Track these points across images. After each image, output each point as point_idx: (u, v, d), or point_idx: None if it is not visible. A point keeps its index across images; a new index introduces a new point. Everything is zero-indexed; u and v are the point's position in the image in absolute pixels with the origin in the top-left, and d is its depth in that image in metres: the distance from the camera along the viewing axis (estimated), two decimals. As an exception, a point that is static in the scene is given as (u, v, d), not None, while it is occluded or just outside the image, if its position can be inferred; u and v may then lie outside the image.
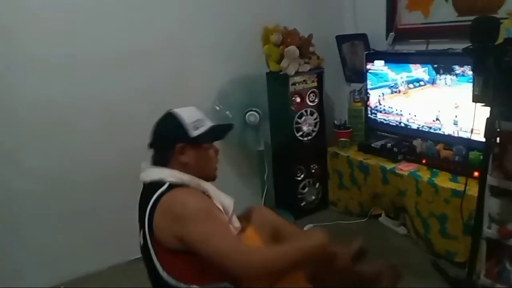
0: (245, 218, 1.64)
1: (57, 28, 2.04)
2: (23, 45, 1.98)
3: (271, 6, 2.67)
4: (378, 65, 2.58)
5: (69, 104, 2.12)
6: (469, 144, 1.94)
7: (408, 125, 2.50)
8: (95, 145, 2.21)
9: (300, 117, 2.64)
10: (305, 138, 2.70)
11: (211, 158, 1.45)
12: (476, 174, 1.86)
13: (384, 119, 2.64)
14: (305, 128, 2.67)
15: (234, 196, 1.46)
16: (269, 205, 2.77)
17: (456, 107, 2.19)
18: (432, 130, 2.36)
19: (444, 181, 2.11)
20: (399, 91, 2.50)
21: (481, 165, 1.63)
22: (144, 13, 2.26)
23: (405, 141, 2.52)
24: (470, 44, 1.52)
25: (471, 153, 2.07)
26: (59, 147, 2.13)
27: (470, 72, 2.02)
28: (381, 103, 2.64)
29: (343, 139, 2.76)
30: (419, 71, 2.36)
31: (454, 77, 2.17)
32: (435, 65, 2.26)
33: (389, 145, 2.52)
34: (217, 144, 1.49)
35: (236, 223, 1.47)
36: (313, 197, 2.82)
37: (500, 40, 1.51)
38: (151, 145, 1.44)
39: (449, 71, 2.18)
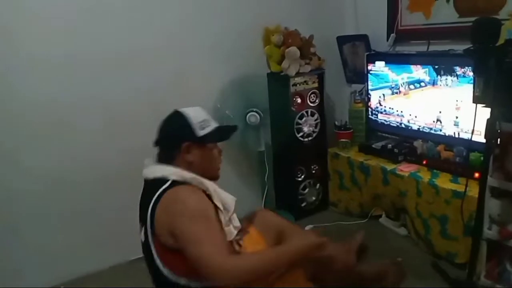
0: (249, 220, 1.65)
1: (57, 28, 2.04)
2: (23, 45, 1.99)
3: (272, 6, 2.67)
4: (379, 66, 2.58)
5: (69, 104, 2.12)
6: (469, 145, 1.94)
7: (408, 126, 2.50)
8: (95, 145, 2.21)
9: (300, 117, 2.64)
10: (306, 139, 2.70)
11: (215, 158, 1.48)
12: (476, 175, 1.86)
13: (385, 120, 2.64)
14: (305, 129, 2.67)
15: (234, 196, 1.47)
16: (269, 205, 2.77)
17: (457, 108, 2.19)
18: (432, 131, 2.36)
19: (444, 182, 2.10)
20: (400, 92, 2.50)
21: (482, 166, 1.63)
22: (144, 13, 2.26)
23: (406, 142, 2.52)
24: (471, 45, 1.51)
25: (471, 154, 2.07)
26: (59, 147, 2.14)
27: (471, 73, 2.02)
28: (381, 104, 2.64)
29: (343, 140, 2.76)
30: (420, 72, 2.36)
31: (455, 78, 2.17)
32: (436, 66, 2.26)
33: (389, 146, 2.52)
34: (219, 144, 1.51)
35: (236, 222, 1.49)
36: (314, 198, 2.82)
37: (501, 41, 1.51)
38: (157, 142, 1.46)
39: (450, 72, 2.18)
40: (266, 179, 2.75)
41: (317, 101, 2.69)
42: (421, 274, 2.03)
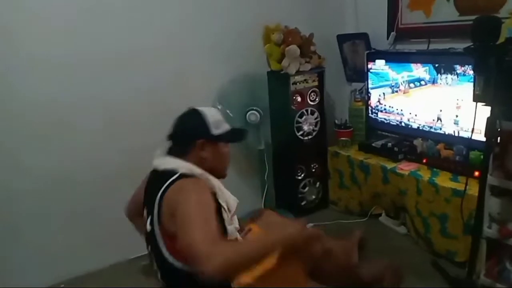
0: (253, 220, 1.67)
1: (57, 28, 2.04)
2: (23, 45, 1.98)
3: (272, 5, 2.66)
4: (379, 65, 2.58)
5: (69, 104, 2.12)
6: (469, 143, 1.94)
7: (408, 125, 2.50)
8: (95, 144, 2.21)
9: (300, 116, 2.64)
10: (306, 138, 2.70)
11: (225, 158, 1.55)
12: (476, 173, 1.86)
13: (385, 119, 2.64)
14: (305, 128, 2.67)
15: (234, 195, 1.49)
16: (269, 204, 2.77)
17: (457, 106, 2.19)
18: (432, 130, 2.36)
19: (444, 180, 2.10)
20: (400, 91, 2.50)
21: (482, 164, 1.63)
22: (144, 13, 2.25)
23: (406, 141, 2.52)
24: (472, 44, 1.51)
25: (471, 152, 2.07)
26: (59, 147, 2.13)
27: (471, 72, 2.02)
28: (381, 102, 2.64)
29: (343, 138, 2.76)
30: (420, 70, 2.36)
31: (455, 77, 2.17)
32: (436, 65, 2.25)
33: (389, 144, 2.52)
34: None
35: (236, 224, 1.50)
36: (314, 197, 2.82)
37: (501, 40, 1.51)
38: (171, 136, 1.50)
39: (450, 70, 2.18)
40: (266, 178, 2.75)
41: (317, 99, 2.69)
42: (421, 273, 2.03)
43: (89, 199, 2.22)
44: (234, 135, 1.59)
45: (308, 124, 2.68)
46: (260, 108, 2.57)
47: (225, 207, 1.42)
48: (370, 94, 2.69)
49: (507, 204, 1.69)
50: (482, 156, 1.70)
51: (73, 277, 2.20)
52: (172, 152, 1.47)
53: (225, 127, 1.53)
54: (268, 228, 1.61)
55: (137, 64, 2.25)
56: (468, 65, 2.05)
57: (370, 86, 2.67)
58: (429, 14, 2.47)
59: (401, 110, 2.52)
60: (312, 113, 2.68)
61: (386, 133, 2.66)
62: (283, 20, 2.59)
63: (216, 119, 1.51)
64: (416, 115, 2.44)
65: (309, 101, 2.66)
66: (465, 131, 2.15)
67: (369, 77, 2.66)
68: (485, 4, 2.18)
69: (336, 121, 2.87)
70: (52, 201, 2.14)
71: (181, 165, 1.40)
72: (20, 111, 2.02)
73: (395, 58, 2.54)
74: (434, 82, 2.29)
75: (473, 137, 1.68)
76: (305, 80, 2.62)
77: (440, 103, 2.28)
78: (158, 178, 1.40)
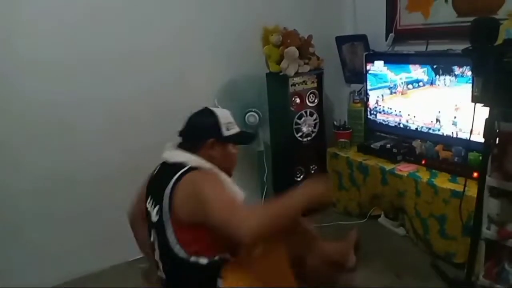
0: None
1: (58, 28, 2.04)
2: (23, 45, 1.98)
3: (271, 6, 2.67)
4: (378, 66, 2.58)
5: (70, 104, 2.11)
6: (468, 145, 1.94)
7: (407, 126, 2.50)
8: (95, 144, 2.21)
9: (299, 118, 2.64)
10: (305, 139, 2.70)
11: (233, 159, 1.62)
12: (475, 175, 1.86)
13: (384, 120, 2.64)
14: (304, 129, 2.67)
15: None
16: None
17: (455, 108, 2.19)
18: (431, 131, 2.36)
19: (443, 182, 2.10)
20: (399, 92, 2.50)
21: (480, 166, 1.63)
22: (145, 14, 2.26)
23: (405, 142, 2.52)
24: (470, 45, 1.51)
25: (470, 154, 2.07)
26: (60, 147, 2.13)
27: (470, 73, 2.02)
28: (379, 104, 2.64)
29: (342, 140, 2.76)
30: (418, 71, 2.36)
31: (453, 78, 2.17)
32: (435, 66, 2.26)
33: (388, 146, 2.52)
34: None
35: None
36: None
37: (499, 41, 1.51)
38: (183, 132, 1.58)
39: (449, 71, 2.18)
40: (265, 179, 2.75)
41: (316, 101, 2.69)
42: (420, 274, 2.04)
43: (90, 199, 2.22)
44: (243, 138, 1.67)
45: (307, 126, 2.68)
46: (259, 109, 2.57)
47: None
48: (369, 95, 2.69)
49: (506, 205, 1.68)
50: (480, 157, 1.70)
51: (73, 278, 2.20)
52: (183, 147, 1.54)
53: (235, 129, 1.60)
54: None
55: (137, 64, 2.26)
56: (466, 66, 2.05)
57: (368, 87, 2.68)
58: (427, 16, 2.48)
59: (400, 111, 2.53)
60: (311, 114, 2.68)
61: (385, 135, 2.67)
62: (282, 21, 2.59)
63: (227, 121, 1.58)
64: (414, 117, 2.45)
65: (308, 102, 2.66)
66: (464, 132, 2.15)
67: (367, 79, 2.66)
68: (483, 6, 2.19)
69: (335, 123, 2.87)
70: (52, 201, 2.13)
71: (191, 159, 1.47)
72: (21, 111, 2.02)
73: (394, 59, 2.55)
74: (432, 83, 2.29)
75: (471, 138, 1.68)
76: (304, 81, 2.62)
77: (438, 104, 2.28)
78: (167, 169, 1.47)
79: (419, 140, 2.41)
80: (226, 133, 1.56)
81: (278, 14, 2.66)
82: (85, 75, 2.13)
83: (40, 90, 2.03)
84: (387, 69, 2.53)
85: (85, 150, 2.19)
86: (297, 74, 2.55)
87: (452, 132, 2.24)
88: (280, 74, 2.54)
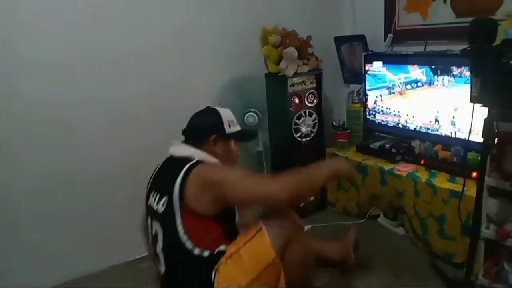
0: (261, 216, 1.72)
1: (58, 28, 2.04)
2: (23, 45, 1.98)
3: (270, 7, 2.67)
4: (377, 66, 2.59)
5: (70, 104, 2.11)
6: (467, 145, 1.94)
7: (406, 126, 2.51)
8: (95, 144, 2.21)
9: (298, 118, 2.64)
10: (304, 139, 2.70)
11: (234, 155, 1.70)
12: (474, 174, 1.87)
13: (382, 120, 2.65)
14: (303, 129, 2.68)
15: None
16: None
17: (454, 108, 2.20)
18: (430, 131, 2.37)
19: (442, 181, 2.11)
20: (397, 92, 2.51)
21: (479, 165, 1.63)
22: (145, 14, 2.26)
23: (404, 142, 2.53)
24: (468, 46, 1.52)
25: (469, 153, 2.08)
26: (60, 147, 2.13)
27: (468, 73, 2.03)
28: (378, 104, 2.65)
29: (341, 140, 2.77)
30: (416, 72, 2.37)
31: (451, 78, 2.18)
32: (433, 66, 2.26)
33: (387, 146, 2.53)
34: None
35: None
36: (312, 198, 2.82)
37: (498, 42, 1.51)
38: (187, 130, 1.66)
39: (447, 72, 2.19)
40: (264, 179, 2.74)
41: (315, 101, 2.70)
42: (419, 274, 2.04)
43: (89, 199, 2.22)
44: (244, 136, 1.78)
45: (306, 126, 2.68)
46: (258, 110, 2.57)
47: None
48: (368, 95, 2.70)
49: (504, 205, 1.69)
50: (479, 157, 1.70)
51: (73, 278, 2.20)
52: (187, 143, 1.62)
53: (237, 127, 1.71)
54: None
55: (137, 64, 2.26)
56: (465, 66, 2.06)
57: (367, 87, 2.68)
58: (426, 16, 2.48)
59: (398, 111, 2.53)
60: (310, 114, 2.68)
61: (384, 135, 2.67)
62: (280, 22, 2.60)
63: (230, 119, 1.68)
64: (413, 117, 2.45)
65: (307, 103, 2.67)
66: (463, 132, 2.16)
67: (366, 79, 2.67)
68: (481, 6, 2.19)
69: (334, 123, 2.88)
70: (52, 201, 2.13)
71: (197, 153, 1.55)
72: (21, 111, 2.01)
73: (392, 60, 2.55)
74: (430, 83, 2.30)
75: (470, 138, 1.68)
76: (303, 82, 2.63)
77: (437, 104, 2.29)
78: (174, 163, 1.54)
79: (418, 140, 2.41)
80: (228, 130, 1.65)
81: (277, 14, 2.66)
82: (85, 75, 2.13)
83: (40, 90, 2.03)
84: (386, 69, 2.54)
85: (85, 150, 2.19)
86: (296, 74, 2.56)
87: (451, 132, 2.25)
88: (279, 74, 2.55)
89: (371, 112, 2.71)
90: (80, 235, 2.21)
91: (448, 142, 2.26)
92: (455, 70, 2.14)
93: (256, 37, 2.58)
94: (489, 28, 1.49)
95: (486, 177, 1.63)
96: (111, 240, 2.26)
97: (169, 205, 1.45)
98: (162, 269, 1.52)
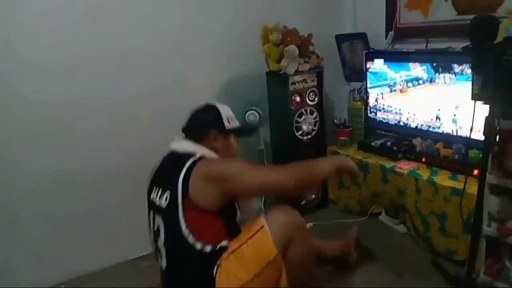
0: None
1: (58, 28, 2.04)
2: (23, 45, 1.98)
3: (271, 5, 2.67)
4: (378, 64, 2.58)
5: (70, 104, 2.11)
6: (468, 142, 1.94)
7: (407, 124, 2.50)
8: (95, 144, 2.21)
9: (299, 116, 2.64)
10: (305, 137, 2.70)
11: (234, 150, 1.72)
12: (475, 172, 1.86)
13: (384, 118, 2.64)
14: (304, 127, 2.67)
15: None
16: (269, 204, 2.77)
17: (455, 106, 2.19)
18: (431, 129, 2.36)
19: (443, 179, 2.11)
20: (398, 90, 2.51)
21: (481, 163, 1.63)
22: (145, 14, 2.26)
23: (405, 140, 2.52)
24: (470, 43, 1.52)
25: (470, 151, 2.08)
26: (60, 147, 2.13)
27: (469, 71, 2.02)
28: (379, 102, 2.64)
29: (342, 138, 2.77)
30: (418, 69, 2.36)
31: (453, 76, 2.17)
32: (434, 64, 2.26)
33: (388, 143, 2.52)
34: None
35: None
36: (313, 196, 2.82)
37: (499, 39, 1.51)
38: (187, 126, 1.69)
39: (448, 69, 2.19)
40: (265, 178, 2.74)
41: (316, 99, 2.69)
42: (420, 272, 2.04)
43: (90, 199, 2.22)
44: (244, 131, 1.83)
45: (307, 124, 2.68)
46: (259, 108, 2.57)
47: None
48: (369, 93, 2.69)
49: (506, 202, 1.69)
50: (481, 155, 1.70)
51: (73, 277, 2.20)
52: (188, 139, 1.64)
53: (236, 123, 1.74)
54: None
55: (137, 64, 2.25)
56: (466, 64, 2.05)
57: (368, 85, 2.68)
58: (427, 14, 2.48)
59: (400, 109, 2.53)
60: (311, 113, 2.68)
61: (385, 133, 2.67)
62: (281, 20, 2.59)
63: (229, 115, 1.71)
64: (414, 114, 2.45)
65: (308, 101, 2.66)
66: (464, 130, 2.16)
67: (367, 77, 2.66)
68: (483, 4, 2.19)
69: (335, 121, 2.87)
70: (52, 201, 2.13)
71: (199, 149, 1.58)
72: (21, 111, 2.01)
73: (394, 57, 2.54)
74: (432, 81, 2.29)
75: (472, 136, 1.68)
76: (304, 80, 2.62)
77: (438, 102, 2.29)
78: (176, 158, 1.56)
79: (419, 138, 2.41)
80: (228, 125, 1.68)
81: (278, 12, 2.66)
82: (85, 75, 2.13)
83: (40, 90, 2.03)
84: (387, 67, 2.53)
85: (85, 150, 2.19)
86: (297, 72, 2.55)
87: (452, 130, 2.24)
88: (280, 72, 2.54)
89: (372, 110, 2.71)
90: (80, 235, 2.22)
91: (449, 139, 2.26)
92: (457, 68, 2.14)
93: (257, 35, 2.58)
94: (491, 25, 1.49)
95: (487, 175, 1.63)
96: (112, 239, 2.26)
97: (172, 199, 1.47)
98: (164, 264, 1.53)
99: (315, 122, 2.71)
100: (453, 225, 2.02)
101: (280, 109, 2.62)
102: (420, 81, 2.36)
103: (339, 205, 2.78)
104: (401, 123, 2.54)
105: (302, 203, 2.77)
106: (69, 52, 2.07)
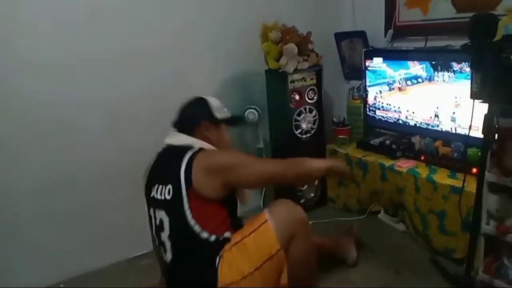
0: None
1: (58, 28, 2.03)
2: (23, 45, 1.97)
3: (271, 3, 2.67)
4: (377, 62, 2.58)
5: (70, 104, 2.11)
6: (467, 140, 1.94)
7: (406, 122, 2.50)
8: (95, 144, 2.21)
9: (299, 114, 2.64)
10: (304, 136, 2.70)
11: (227, 140, 1.74)
12: (474, 170, 1.87)
13: (383, 116, 2.65)
14: (304, 126, 2.67)
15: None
16: (268, 202, 2.77)
17: (454, 104, 2.19)
18: (430, 127, 2.36)
19: (442, 177, 2.11)
20: (397, 88, 2.51)
21: (480, 161, 1.64)
22: (144, 13, 2.25)
23: (404, 138, 2.52)
24: (469, 41, 1.52)
25: (469, 149, 2.08)
26: (60, 146, 2.13)
27: (468, 69, 2.02)
28: (378, 100, 2.64)
29: (342, 136, 2.77)
30: (417, 68, 2.36)
31: (452, 74, 2.17)
32: (433, 62, 2.26)
33: (387, 142, 2.53)
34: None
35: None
36: (312, 194, 2.82)
37: (498, 37, 1.51)
38: (178, 120, 1.71)
39: (447, 68, 2.19)
40: (265, 176, 2.75)
41: (315, 97, 2.69)
42: (419, 270, 2.05)
43: (90, 198, 2.23)
44: (234, 120, 1.83)
45: (306, 122, 2.68)
46: (258, 106, 2.57)
47: None
48: (368, 92, 2.69)
49: (505, 200, 1.70)
50: (479, 153, 1.70)
51: (73, 276, 2.20)
52: (182, 132, 1.66)
53: (226, 113, 1.76)
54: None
55: (137, 64, 2.25)
56: (465, 62, 2.06)
57: (367, 84, 2.68)
58: (426, 12, 2.48)
59: (399, 107, 2.53)
60: (310, 111, 2.68)
61: (384, 131, 2.67)
62: (280, 18, 2.59)
63: (218, 105, 1.74)
64: (413, 113, 2.45)
65: (307, 99, 2.66)
66: (463, 128, 2.16)
67: (366, 75, 2.66)
68: (482, 2, 2.19)
69: (334, 119, 2.87)
70: (52, 201, 2.13)
71: (196, 142, 1.61)
72: (21, 111, 2.01)
73: (393, 55, 2.54)
74: (431, 79, 2.29)
75: (470, 134, 1.69)
76: (303, 78, 2.62)
77: (437, 100, 2.29)
78: (174, 152, 1.58)
79: (418, 136, 2.41)
80: (218, 115, 1.70)
81: (277, 11, 2.66)
82: (85, 75, 2.13)
83: (40, 90, 2.02)
84: (386, 65, 2.53)
85: (85, 150, 2.19)
86: (296, 70, 2.55)
87: (451, 128, 2.25)
88: (279, 71, 2.54)
89: (371, 108, 2.71)
90: (80, 234, 2.22)
91: (448, 138, 2.26)
92: (456, 66, 2.14)
93: (256, 33, 2.58)
94: (490, 23, 1.49)
95: (486, 173, 1.64)
96: (112, 238, 2.27)
97: (176, 191, 1.48)
98: (169, 256, 1.53)
99: (314, 121, 2.71)
100: (452, 223, 2.02)
101: (279, 108, 2.62)
102: (419, 79, 2.36)
103: (338, 204, 2.79)
104: (400, 121, 2.54)
105: (302, 201, 2.77)
106: (69, 52, 2.06)
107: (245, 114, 2.54)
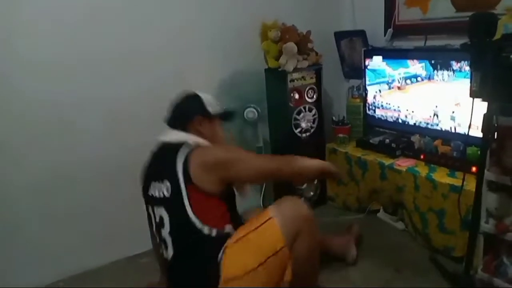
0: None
1: (58, 28, 2.03)
2: (25, 46, 1.97)
3: (270, 2, 2.66)
4: (376, 61, 2.59)
5: (70, 103, 2.11)
6: (466, 139, 1.94)
7: (405, 121, 2.51)
8: (95, 143, 2.21)
9: (298, 113, 2.64)
10: (304, 135, 2.70)
11: (220, 135, 1.74)
12: (474, 169, 1.88)
13: (382, 115, 2.65)
14: (303, 125, 2.68)
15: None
16: (268, 201, 2.78)
17: (454, 103, 2.20)
18: (429, 126, 2.37)
19: (442, 176, 2.11)
20: (397, 87, 2.51)
21: (479, 160, 1.64)
22: (144, 12, 2.25)
23: (403, 137, 2.53)
24: (468, 40, 1.52)
25: (468, 148, 2.08)
26: (60, 145, 2.13)
27: (468, 68, 2.03)
28: (377, 99, 2.65)
29: (341, 135, 2.77)
30: (416, 67, 2.36)
31: (451, 73, 2.18)
32: (433, 61, 2.26)
33: (387, 141, 2.53)
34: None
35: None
36: (312, 193, 2.83)
37: (498, 36, 1.51)
38: (172, 116, 1.71)
39: (447, 66, 2.19)
40: (264, 175, 2.75)
41: (314, 96, 2.69)
42: (419, 268, 2.05)
43: (89, 197, 2.23)
44: (227, 115, 1.83)
45: (306, 121, 2.68)
46: (258, 105, 2.57)
47: None
48: (367, 91, 2.69)
49: (504, 199, 1.70)
50: (479, 152, 1.71)
51: (73, 275, 2.21)
52: (175, 128, 1.67)
53: (219, 108, 1.76)
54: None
55: (137, 64, 2.25)
56: (465, 61, 2.06)
57: (367, 83, 2.68)
58: (426, 11, 2.48)
59: (398, 106, 2.53)
60: (310, 110, 2.68)
61: (384, 130, 2.68)
62: (280, 17, 2.59)
63: (211, 100, 1.73)
64: (413, 112, 2.45)
65: (306, 98, 2.66)
66: (462, 127, 2.16)
67: (366, 74, 2.67)
68: (481, 1, 2.19)
69: (334, 118, 2.87)
70: (52, 200, 2.14)
71: (189, 137, 1.60)
72: (21, 111, 2.01)
73: (392, 54, 2.55)
74: (430, 78, 2.30)
75: (470, 133, 1.69)
76: (302, 77, 2.62)
77: (436, 99, 2.29)
78: (169, 149, 1.57)
79: (417, 135, 2.42)
80: (211, 110, 1.70)
81: (277, 9, 2.65)
82: (85, 75, 2.13)
83: (40, 90, 2.02)
84: (386, 64, 2.54)
85: (85, 150, 2.19)
86: (295, 69, 2.55)
87: (451, 127, 2.25)
88: (279, 69, 2.54)
89: (371, 107, 2.71)
90: (80, 232, 2.22)
91: (447, 137, 2.27)
92: (455, 65, 2.14)
93: (256, 32, 2.58)
94: (489, 22, 1.49)
95: (485, 172, 1.64)
96: (112, 237, 2.27)
97: (175, 188, 1.48)
98: (170, 253, 1.52)
99: (314, 119, 2.71)
100: (451, 222, 2.03)
101: (279, 107, 2.62)
102: (419, 78, 2.37)
103: (337, 202, 2.79)
104: (400, 120, 2.54)
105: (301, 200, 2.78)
106: (69, 52, 2.06)
107: (245, 113, 2.54)
